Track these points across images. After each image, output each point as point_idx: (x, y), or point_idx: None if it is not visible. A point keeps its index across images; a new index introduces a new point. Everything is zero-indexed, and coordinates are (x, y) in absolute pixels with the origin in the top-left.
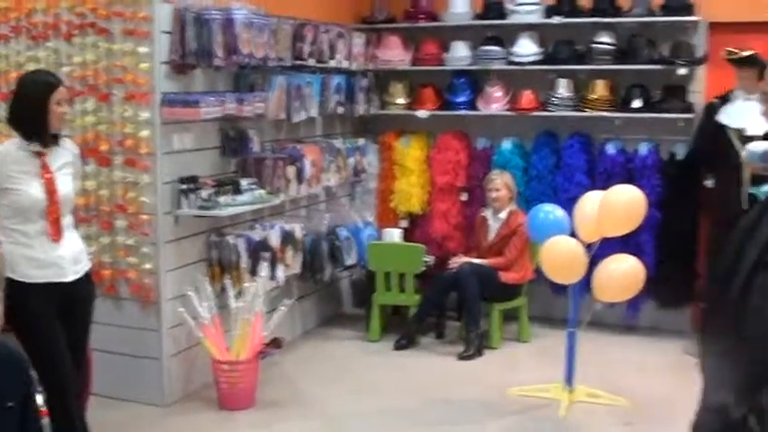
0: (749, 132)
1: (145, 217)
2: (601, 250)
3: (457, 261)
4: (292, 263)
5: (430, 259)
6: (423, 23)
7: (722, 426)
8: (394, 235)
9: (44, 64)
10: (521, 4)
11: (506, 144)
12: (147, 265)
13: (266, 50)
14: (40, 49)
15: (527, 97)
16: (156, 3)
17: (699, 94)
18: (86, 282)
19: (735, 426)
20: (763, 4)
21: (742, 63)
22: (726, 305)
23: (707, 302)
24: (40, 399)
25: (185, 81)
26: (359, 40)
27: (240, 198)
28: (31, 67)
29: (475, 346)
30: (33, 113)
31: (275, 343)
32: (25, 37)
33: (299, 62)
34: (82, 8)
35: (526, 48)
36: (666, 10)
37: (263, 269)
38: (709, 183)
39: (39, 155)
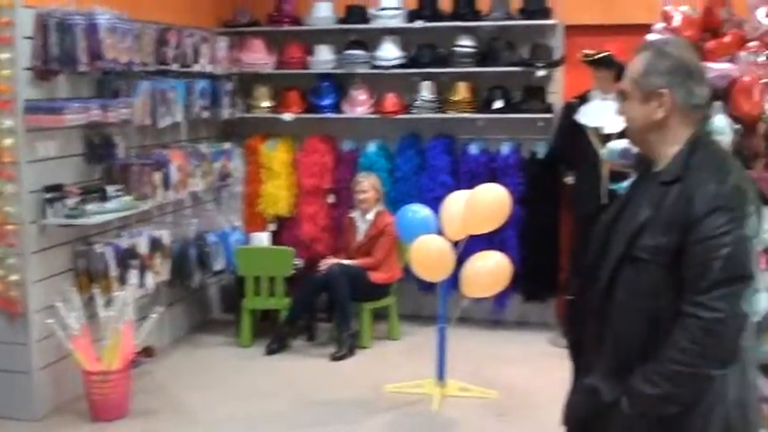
0: (606, 131)
1: (10, 227)
2: (467, 248)
3: (326, 263)
4: (161, 270)
5: (299, 262)
6: (286, 27)
7: (593, 407)
8: (262, 239)
9: None
10: (383, 9)
11: (372, 146)
12: (14, 277)
13: (130, 56)
14: None
15: (391, 100)
16: (18, 8)
17: (557, 95)
18: None
19: (606, 407)
20: (615, 7)
21: (598, 64)
22: (592, 297)
23: (573, 295)
24: None
25: (48, 87)
26: (222, 44)
27: (107, 205)
28: None
29: (347, 346)
30: None
31: (147, 351)
32: None
33: (163, 67)
34: None
35: (389, 52)
36: (524, 14)
37: (132, 277)
38: (569, 180)
39: None
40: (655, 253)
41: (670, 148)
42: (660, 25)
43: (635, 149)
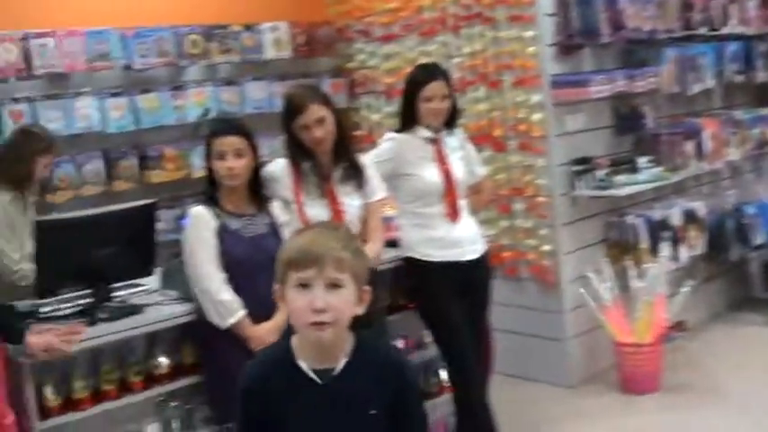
0: None
1: (541, 199)
2: None
3: None
4: (695, 242)
5: None
6: None
7: None
8: None
9: (434, 57)
10: None
11: None
12: (546, 247)
13: (654, 23)
14: (430, 43)
15: None
16: None
17: None
18: (483, 263)
19: None
20: None
21: None
22: None
23: None
24: (443, 374)
25: (572, 61)
26: (752, 3)
27: (637, 177)
28: (424, 60)
29: None
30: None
31: (679, 326)
32: (416, 34)
33: (689, 32)
34: (467, 0)
35: None
36: None
37: (664, 249)
38: None
39: (433, 141)
40: None
41: None
42: None
43: None
